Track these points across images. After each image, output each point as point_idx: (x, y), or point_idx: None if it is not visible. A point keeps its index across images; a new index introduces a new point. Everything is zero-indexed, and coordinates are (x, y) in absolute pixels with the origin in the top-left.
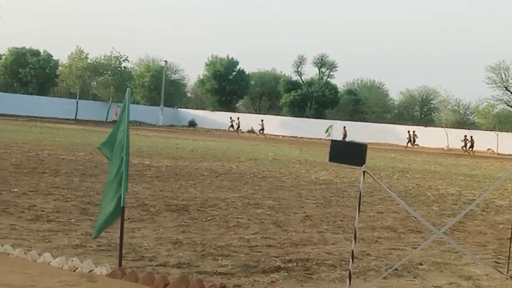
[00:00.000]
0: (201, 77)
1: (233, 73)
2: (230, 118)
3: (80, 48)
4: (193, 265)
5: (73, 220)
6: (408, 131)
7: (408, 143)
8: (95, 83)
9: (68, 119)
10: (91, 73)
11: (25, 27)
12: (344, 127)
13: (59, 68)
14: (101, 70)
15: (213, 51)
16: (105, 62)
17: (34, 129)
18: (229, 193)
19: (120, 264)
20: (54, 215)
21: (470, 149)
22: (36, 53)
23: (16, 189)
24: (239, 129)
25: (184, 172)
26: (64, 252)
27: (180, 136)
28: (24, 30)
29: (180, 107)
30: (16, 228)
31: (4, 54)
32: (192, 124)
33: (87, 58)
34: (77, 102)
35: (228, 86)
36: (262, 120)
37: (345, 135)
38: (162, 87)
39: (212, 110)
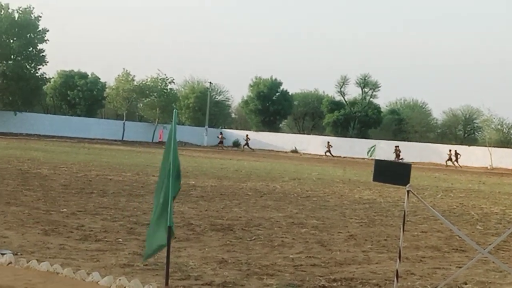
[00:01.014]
0: (245, 98)
1: (277, 94)
2: (221, 133)
3: (127, 70)
4: (238, 284)
5: (120, 240)
6: (395, 146)
7: (395, 158)
8: (141, 105)
9: (115, 140)
10: (138, 95)
11: (73, 50)
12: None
13: (106, 90)
14: (147, 92)
15: (257, 72)
16: (151, 84)
17: (82, 150)
18: (273, 213)
19: (166, 283)
20: (102, 235)
21: (455, 162)
22: (84, 75)
23: (65, 209)
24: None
25: (229, 192)
26: (112, 271)
27: (225, 156)
28: (73, 54)
29: (225, 128)
30: (65, 247)
31: (53, 77)
32: (236, 144)
33: (134, 80)
34: (123, 123)
35: (272, 106)
36: (247, 135)
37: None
38: (207, 108)
39: (256, 131)
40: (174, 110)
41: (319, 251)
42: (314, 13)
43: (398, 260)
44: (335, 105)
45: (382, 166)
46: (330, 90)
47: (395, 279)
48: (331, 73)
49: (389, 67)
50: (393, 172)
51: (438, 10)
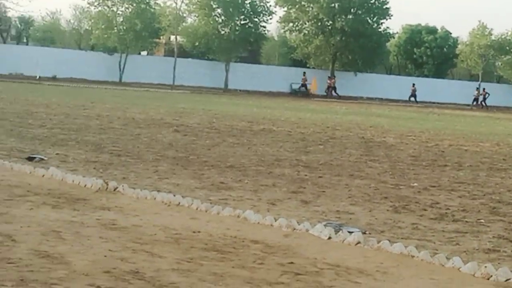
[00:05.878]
0: None
1: None
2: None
3: (483, 23)
4: None
5: (482, 221)
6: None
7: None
8: (500, 63)
9: (468, 105)
10: (496, 51)
11: (421, 2)
12: None
13: (459, 46)
14: (507, 48)
15: None
16: None
17: (431, 116)
18: None
19: None
20: (460, 214)
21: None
22: (432, 30)
23: (415, 184)
24: None
25: None
26: (474, 257)
27: None
28: (420, 6)
29: None
30: (419, 227)
31: (397, 33)
32: None
33: (491, 35)
34: (479, 85)
35: None
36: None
37: None
38: None
39: None
40: None
41: None
42: None
43: None
44: None
45: None
46: None
47: None
48: None
49: None
50: None
51: None
